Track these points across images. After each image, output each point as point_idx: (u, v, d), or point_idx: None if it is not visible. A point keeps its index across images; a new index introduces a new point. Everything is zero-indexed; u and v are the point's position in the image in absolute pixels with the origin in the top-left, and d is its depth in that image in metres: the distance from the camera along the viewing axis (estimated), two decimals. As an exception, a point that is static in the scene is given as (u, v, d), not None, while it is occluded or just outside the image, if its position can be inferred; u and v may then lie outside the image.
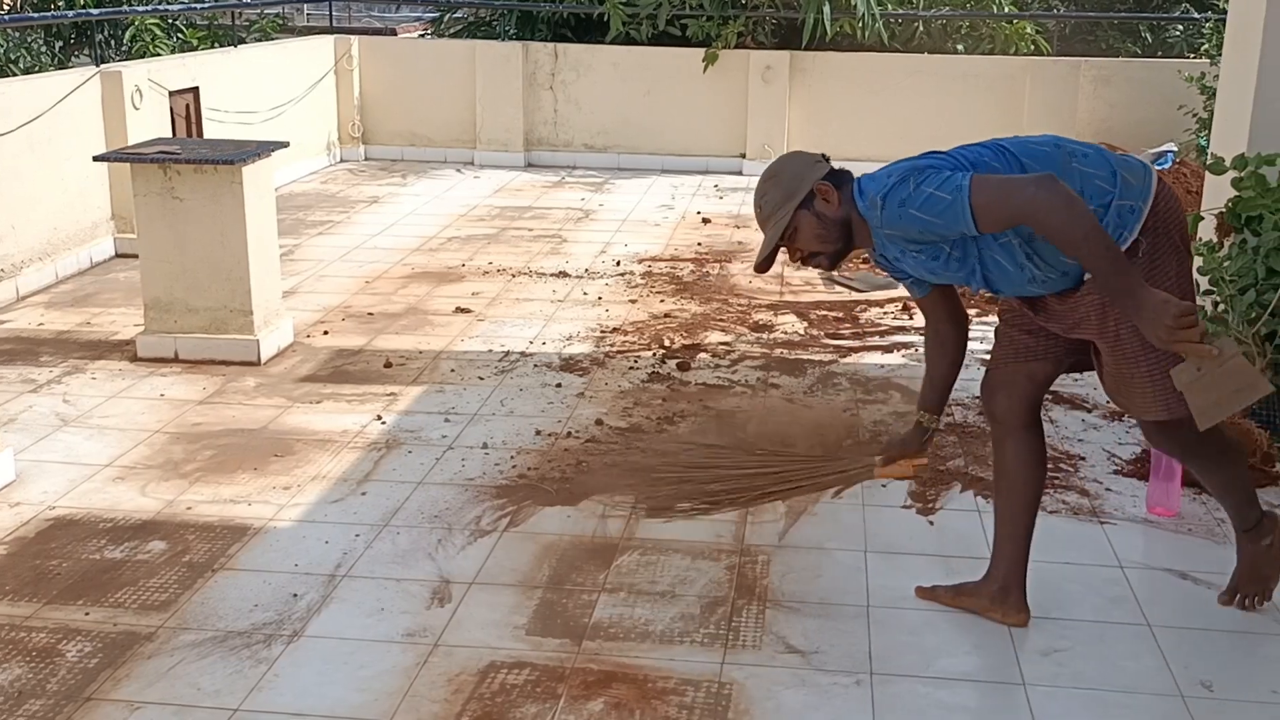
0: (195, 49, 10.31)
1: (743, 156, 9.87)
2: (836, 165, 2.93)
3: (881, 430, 4.48)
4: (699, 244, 7.45)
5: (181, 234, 5.17)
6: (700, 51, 9.73)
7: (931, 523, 3.77)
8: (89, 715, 2.77)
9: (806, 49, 9.71)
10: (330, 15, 11.00)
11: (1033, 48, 10.27)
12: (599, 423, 4.53)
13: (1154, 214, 2.77)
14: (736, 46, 9.76)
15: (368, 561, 3.50)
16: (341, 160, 10.30)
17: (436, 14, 12.96)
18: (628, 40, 10.04)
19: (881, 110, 9.70)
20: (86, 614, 3.20)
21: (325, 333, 5.67)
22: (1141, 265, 2.75)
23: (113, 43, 10.87)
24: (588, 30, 10.65)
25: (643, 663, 3.00)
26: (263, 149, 5.26)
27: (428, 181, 9.48)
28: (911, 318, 5.92)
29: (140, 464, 4.17)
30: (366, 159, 10.38)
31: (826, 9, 9.40)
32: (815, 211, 2.84)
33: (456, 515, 3.79)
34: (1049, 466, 4.14)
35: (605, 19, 9.99)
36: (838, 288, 6.51)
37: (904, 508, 3.87)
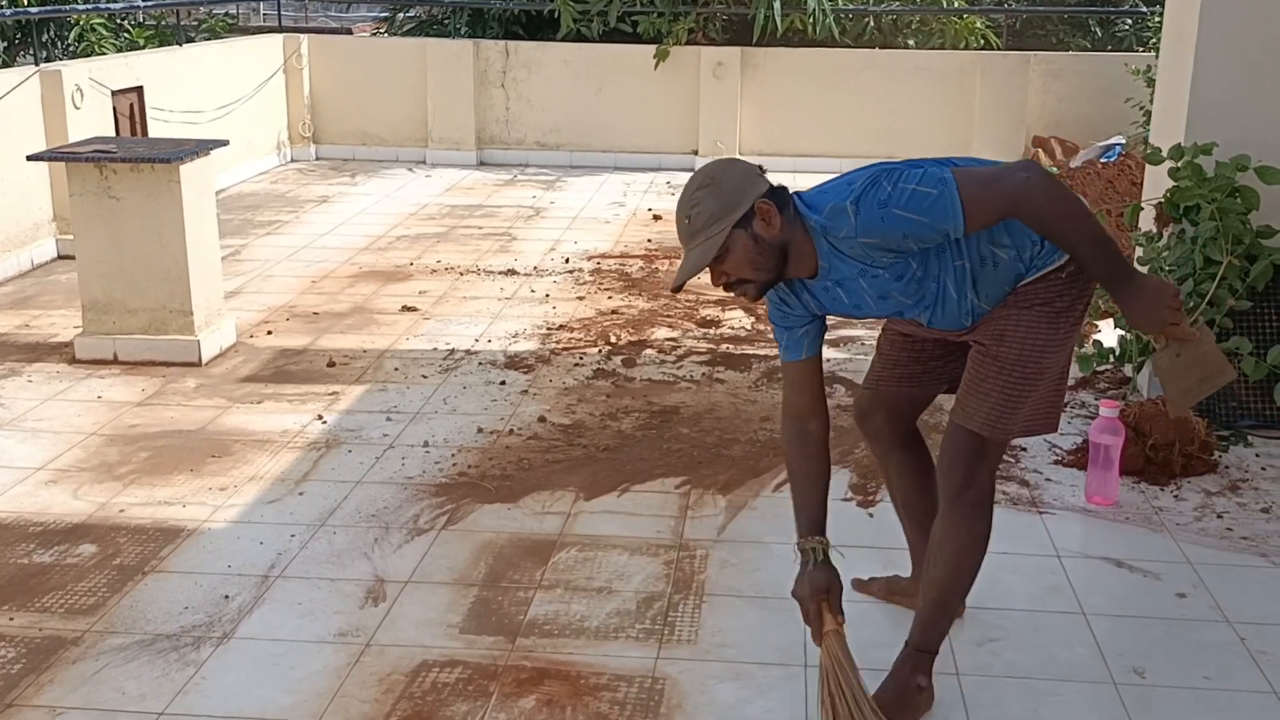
0: (142, 49, 10.18)
1: (695, 153, 9.87)
2: (774, 175, 2.65)
3: (836, 426, 4.46)
4: (649, 240, 7.43)
5: (119, 234, 5.10)
6: (651, 48, 9.71)
7: (871, 515, 3.77)
8: (9, 722, 2.71)
9: (757, 45, 9.72)
10: (279, 14, 10.89)
11: (983, 42, 10.32)
12: (542, 419, 4.50)
13: None
14: (688, 43, 9.76)
15: (302, 562, 3.46)
16: (292, 160, 10.20)
17: (388, 13, 12.87)
18: (578, 37, 10.01)
19: (834, 105, 9.72)
20: (11, 619, 3.14)
21: (269, 333, 5.60)
22: (1071, 281, 2.58)
23: (58, 43, 10.71)
24: (539, 28, 10.62)
25: (576, 659, 2.97)
26: (201, 147, 5.19)
27: (378, 181, 9.41)
28: (859, 311, 5.92)
29: (74, 467, 4.11)
30: (317, 158, 10.29)
31: (777, 4, 9.41)
32: (753, 233, 2.47)
33: (394, 514, 3.75)
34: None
35: (556, 16, 9.96)
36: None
37: (844, 500, 3.86)
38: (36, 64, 7.07)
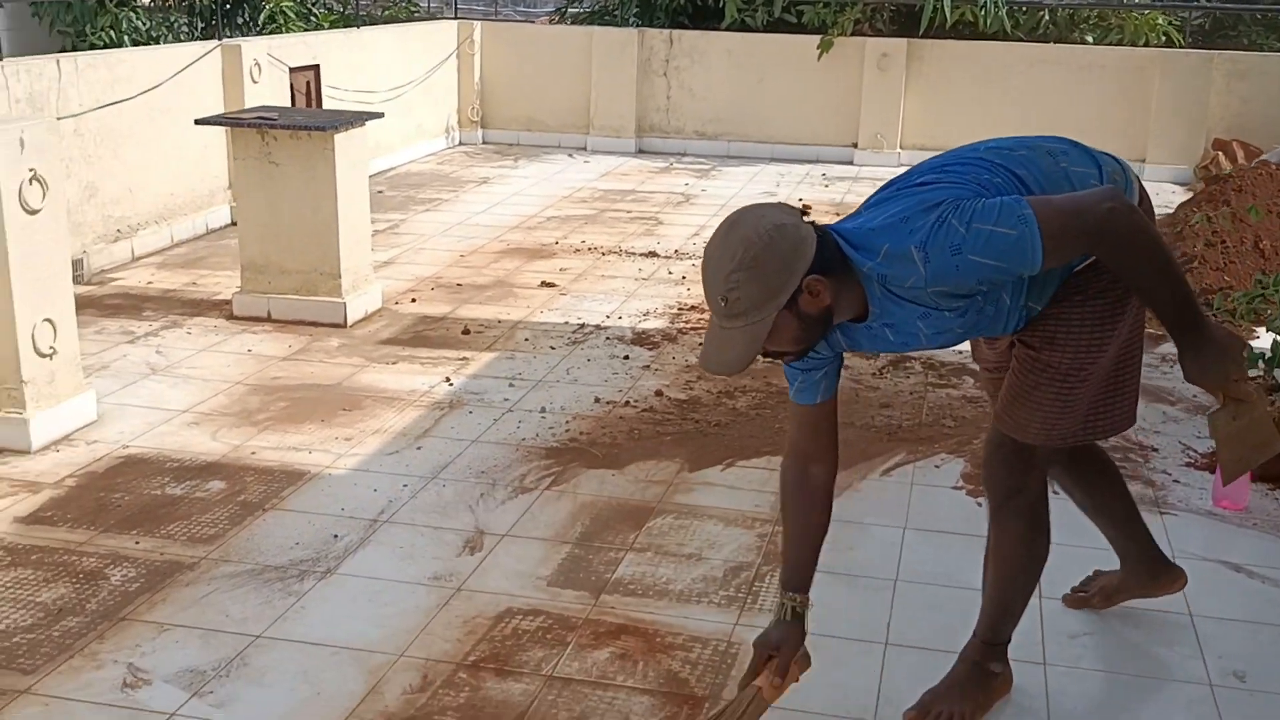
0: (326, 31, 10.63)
1: (854, 146, 9.75)
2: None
3: (944, 415, 4.39)
4: (796, 229, 7.39)
5: (277, 198, 5.36)
6: (815, 39, 9.64)
7: (980, 504, 3.69)
8: (120, 633, 2.90)
9: (924, 37, 9.53)
10: (455, 5, 11.24)
11: (1164, 39, 9.89)
12: (659, 394, 4.54)
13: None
14: (853, 34, 9.64)
15: (410, 510, 3.59)
16: (460, 143, 10.50)
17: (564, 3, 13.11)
18: (742, 27, 10.01)
19: (1002, 101, 9.45)
20: (137, 543, 3.35)
21: (413, 300, 5.80)
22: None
23: (251, 25, 11.27)
24: (706, 17, 10.63)
25: (656, 619, 3.00)
26: (356, 119, 5.41)
27: (538, 165, 9.61)
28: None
29: (216, 411, 4.35)
30: (484, 142, 10.57)
31: (946, -4, 9.22)
32: (799, 311, 2.17)
33: (503, 472, 3.85)
34: (1118, 456, 4.02)
35: (721, 6, 9.98)
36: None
37: (954, 488, 3.79)
38: (219, 39, 7.47)
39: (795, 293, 2.15)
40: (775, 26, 9.94)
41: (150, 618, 2.98)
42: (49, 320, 4.03)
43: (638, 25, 10.66)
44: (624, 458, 3.98)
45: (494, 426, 4.22)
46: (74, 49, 9.17)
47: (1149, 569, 2.97)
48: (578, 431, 4.19)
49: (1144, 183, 2.51)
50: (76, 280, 6.05)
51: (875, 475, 3.88)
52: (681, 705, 2.67)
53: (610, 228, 7.41)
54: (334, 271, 5.38)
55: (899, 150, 9.66)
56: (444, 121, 10.32)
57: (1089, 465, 2.86)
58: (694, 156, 9.99)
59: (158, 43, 10.45)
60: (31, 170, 3.86)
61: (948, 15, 9.30)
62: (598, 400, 4.48)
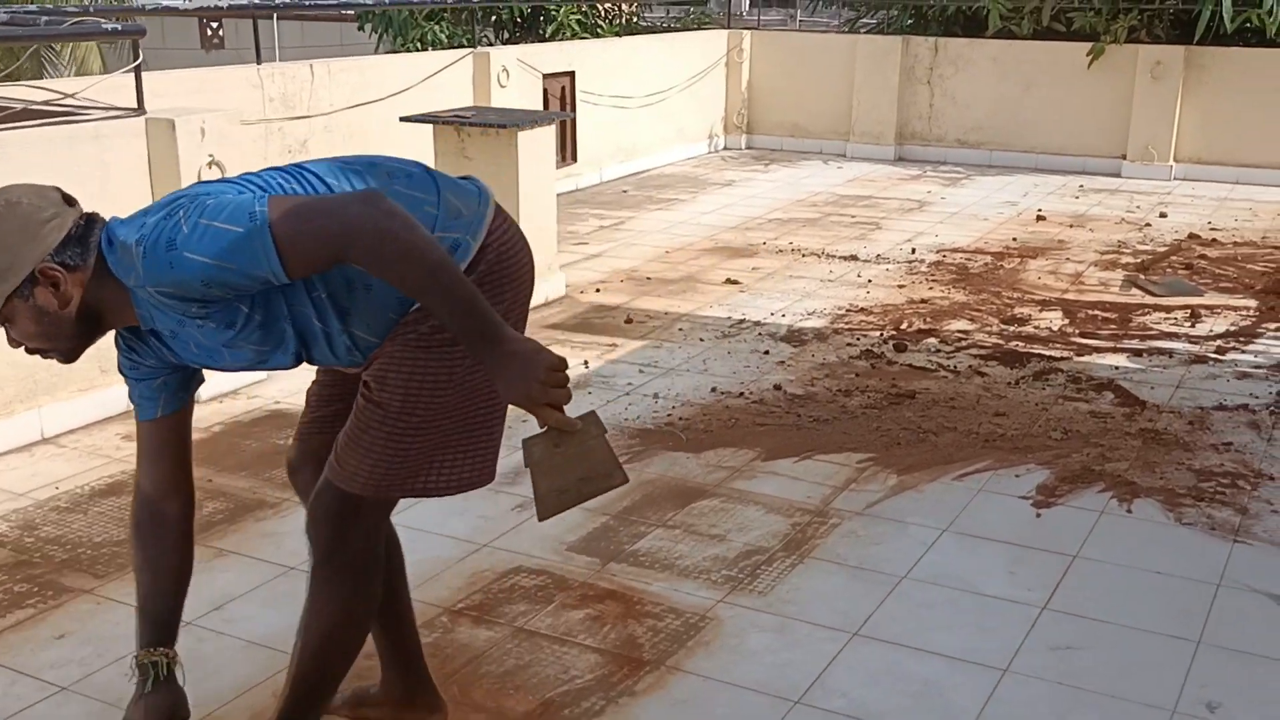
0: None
1: (1123, 158, 9.24)
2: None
3: (1058, 427, 4.20)
4: (1014, 239, 7.15)
5: (471, 191, 5.82)
6: (1084, 46, 9.21)
7: (1039, 515, 3.55)
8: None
9: (1200, 44, 8.89)
10: (729, 13, 11.52)
11: None
12: (777, 387, 4.62)
13: (486, 253, 2.14)
14: (1127, 41, 9.13)
15: (486, 474, 3.87)
16: (725, 148, 10.77)
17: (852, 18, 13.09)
18: (1009, 36, 9.70)
19: (1293, 113, 8.70)
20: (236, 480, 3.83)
21: (597, 290, 6.12)
22: None
23: (543, 38, 12.04)
24: (978, 29, 10.38)
25: (648, 589, 3.14)
26: (542, 118, 5.79)
27: (789, 170, 9.72)
28: (1193, 325, 5.41)
29: (371, 378, 4.82)
30: (747, 148, 10.78)
31: (1227, 1, 8.56)
32: (36, 305, 2.01)
33: (587, 448, 4.07)
34: (1215, 482, 3.75)
35: (985, 15, 9.71)
36: (1135, 290, 6.04)
37: (1021, 497, 3.67)
38: (473, 46, 8.10)
39: (30, 281, 1.99)
40: (1043, 34, 9.57)
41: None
42: (229, 287, 4.62)
43: (910, 33, 10.54)
44: (708, 444, 4.10)
45: (605, 408, 4.45)
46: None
47: (408, 685, 2.52)
48: (678, 417, 4.34)
49: None
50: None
51: (947, 479, 3.80)
52: (622, 667, 2.80)
53: (826, 231, 7.44)
54: (518, 260, 5.77)
55: (1171, 163, 9.07)
56: (708, 127, 10.62)
57: (394, 553, 2.51)
58: (951, 165, 9.79)
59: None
60: (210, 156, 4.46)
61: (1227, 22, 8.63)
62: (714, 390, 4.61)
